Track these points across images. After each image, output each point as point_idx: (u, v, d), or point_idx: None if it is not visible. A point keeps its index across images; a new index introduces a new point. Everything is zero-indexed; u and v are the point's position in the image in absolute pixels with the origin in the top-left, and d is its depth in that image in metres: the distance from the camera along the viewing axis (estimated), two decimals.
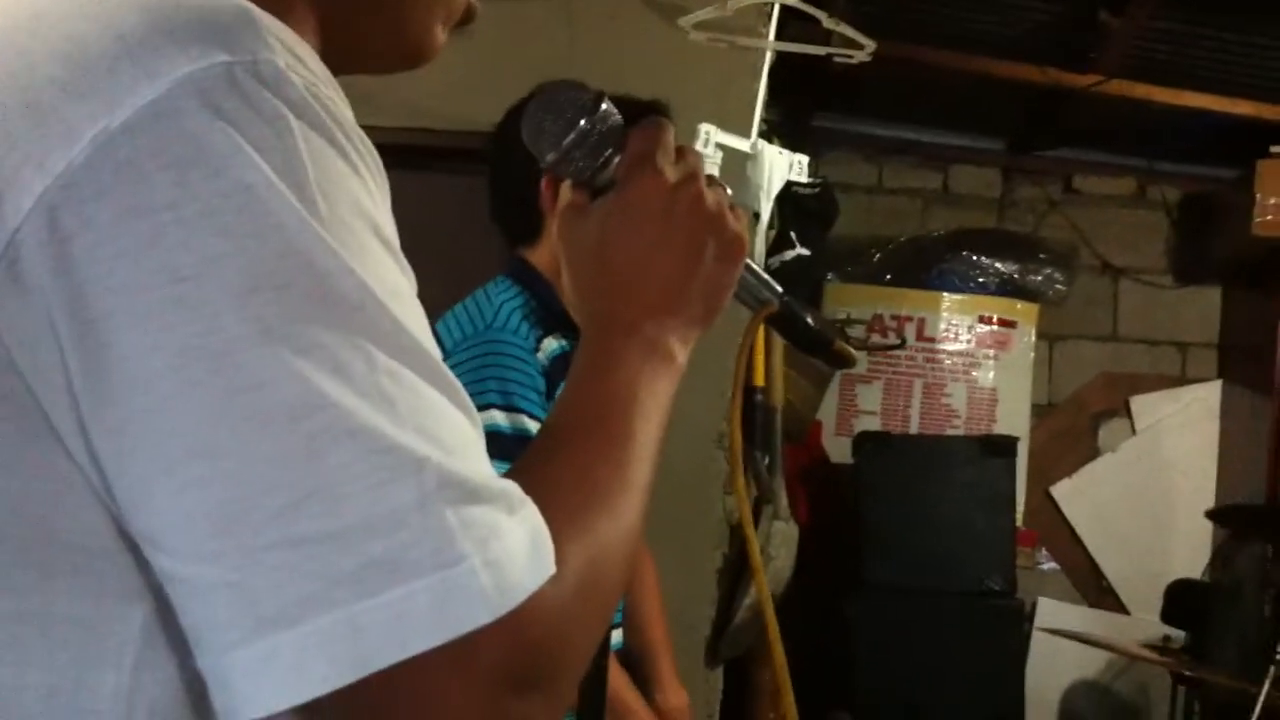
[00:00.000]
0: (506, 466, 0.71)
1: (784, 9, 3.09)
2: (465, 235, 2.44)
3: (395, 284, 0.64)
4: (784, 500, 3.24)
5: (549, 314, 2.03)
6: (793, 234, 3.06)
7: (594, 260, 0.86)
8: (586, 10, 3.12)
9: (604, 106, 0.88)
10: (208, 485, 0.58)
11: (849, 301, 4.60)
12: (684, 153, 0.88)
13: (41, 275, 0.59)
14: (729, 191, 0.90)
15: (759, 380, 3.23)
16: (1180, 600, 4.25)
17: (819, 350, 0.99)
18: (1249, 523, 4.22)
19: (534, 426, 1.88)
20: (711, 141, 2.75)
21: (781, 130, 3.71)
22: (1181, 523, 4.70)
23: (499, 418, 1.87)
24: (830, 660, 3.85)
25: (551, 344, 2.01)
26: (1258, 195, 4.18)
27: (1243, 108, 4.17)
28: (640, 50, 3.09)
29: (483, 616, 0.60)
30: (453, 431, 0.63)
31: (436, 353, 0.65)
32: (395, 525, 0.59)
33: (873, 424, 4.55)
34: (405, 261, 0.67)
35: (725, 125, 2.83)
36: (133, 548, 0.62)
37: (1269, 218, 4.18)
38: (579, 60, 3.03)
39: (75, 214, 0.59)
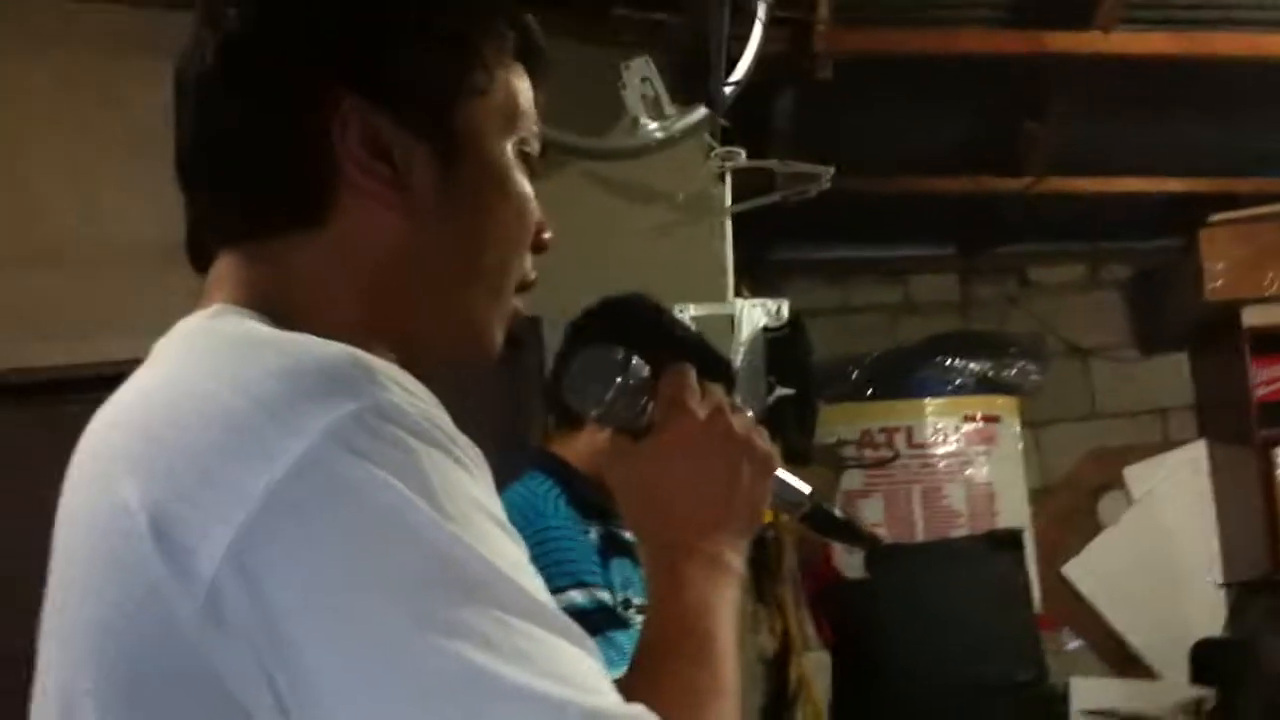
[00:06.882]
0: (601, 640, 0.83)
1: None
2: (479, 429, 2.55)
3: (512, 556, 0.79)
4: (810, 630, 3.34)
5: (583, 503, 2.15)
6: (770, 379, 3.17)
7: (646, 497, 1.00)
8: (559, 206, 3.24)
9: (634, 362, 1.02)
10: None
11: (836, 421, 4.67)
12: (708, 389, 1.03)
13: (240, 612, 0.73)
14: (751, 414, 1.05)
15: (766, 518, 3.32)
16: (1205, 660, 4.31)
17: (848, 538, 1.13)
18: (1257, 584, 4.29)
19: (604, 595, 2.01)
20: (688, 318, 2.86)
21: (744, 269, 3.82)
22: (1194, 581, 4.79)
23: (577, 597, 1.98)
24: None
25: (592, 530, 2.14)
26: (1205, 264, 4.35)
27: (1173, 185, 4.36)
28: (613, 235, 3.19)
29: None
30: (581, 671, 0.77)
31: (554, 605, 0.79)
32: None
33: (879, 536, 4.63)
34: (515, 531, 0.81)
35: (701, 293, 2.97)
36: None
37: (1219, 283, 4.35)
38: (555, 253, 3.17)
39: (259, 556, 0.73)
